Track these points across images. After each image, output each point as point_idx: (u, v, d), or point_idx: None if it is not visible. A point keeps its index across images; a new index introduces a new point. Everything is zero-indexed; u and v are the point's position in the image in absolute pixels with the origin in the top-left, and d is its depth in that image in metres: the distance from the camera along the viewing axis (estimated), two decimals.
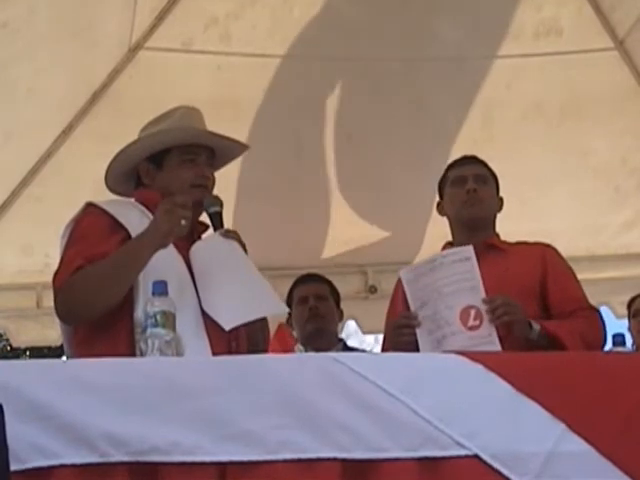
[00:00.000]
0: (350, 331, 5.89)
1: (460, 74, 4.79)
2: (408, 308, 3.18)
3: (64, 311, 2.85)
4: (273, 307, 3.05)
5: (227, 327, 2.84)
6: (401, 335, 3.15)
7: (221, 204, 3.03)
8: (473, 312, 3.06)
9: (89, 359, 2.50)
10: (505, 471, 2.26)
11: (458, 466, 2.27)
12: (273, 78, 4.72)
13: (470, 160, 3.48)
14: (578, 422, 2.31)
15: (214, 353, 2.75)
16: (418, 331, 3.11)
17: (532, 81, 4.83)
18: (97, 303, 2.80)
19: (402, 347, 3.08)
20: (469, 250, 3.13)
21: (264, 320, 3.12)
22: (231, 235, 3.02)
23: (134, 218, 2.92)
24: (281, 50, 4.68)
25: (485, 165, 3.48)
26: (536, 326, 3.10)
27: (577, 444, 2.29)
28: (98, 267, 2.80)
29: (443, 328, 3.07)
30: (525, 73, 4.82)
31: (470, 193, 3.36)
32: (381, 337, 3.48)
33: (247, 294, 2.95)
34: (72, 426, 2.19)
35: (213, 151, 3.10)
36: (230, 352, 2.82)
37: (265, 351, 3.11)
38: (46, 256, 4.54)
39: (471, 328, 3.05)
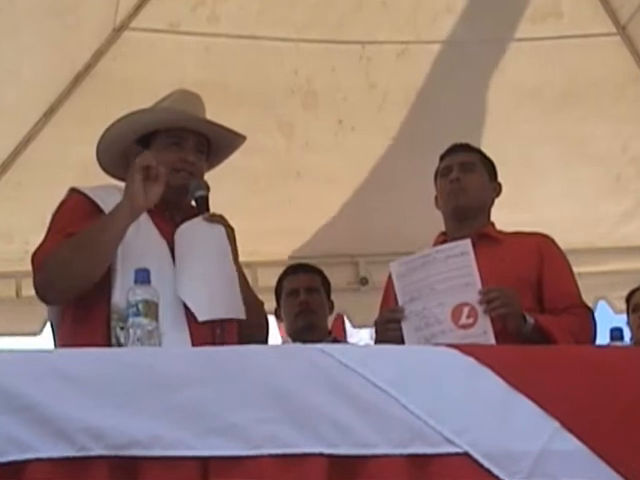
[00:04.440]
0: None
1: (455, 58, 4.79)
2: (397, 302, 3.17)
3: (43, 288, 2.86)
4: (239, 311, 2.97)
5: (201, 318, 2.84)
6: (387, 330, 3.15)
7: (207, 188, 3.03)
8: (466, 310, 3.04)
9: (68, 349, 2.50)
10: (495, 470, 2.25)
11: (447, 464, 2.25)
12: (263, 60, 4.71)
13: (457, 148, 3.48)
14: (572, 419, 2.30)
15: (196, 341, 2.76)
16: (404, 326, 3.10)
17: (530, 66, 4.83)
18: (75, 275, 2.82)
19: (389, 343, 3.06)
20: (466, 244, 3.11)
21: (260, 308, 3.12)
22: (216, 219, 3.02)
23: (115, 204, 2.93)
24: (271, 32, 4.67)
25: (476, 151, 3.48)
26: (530, 320, 3.10)
27: (570, 442, 2.28)
28: (75, 238, 2.82)
29: (432, 326, 3.06)
30: (522, 58, 4.82)
31: (453, 183, 3.37)
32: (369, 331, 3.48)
33: (222, 288, 2.94)
34: (49, 418, 2.18)
35: (207, 139, 3.11)
36: (214, 340, 2.82)
37: (264, 341, 3.10)
38: (26, 244, 4.51)
39: (463, 326, 3.03)
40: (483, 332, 3.02)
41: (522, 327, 3.09)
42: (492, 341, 3.00)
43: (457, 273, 3.08)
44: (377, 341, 3.27)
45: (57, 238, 2.86)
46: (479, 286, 3.06)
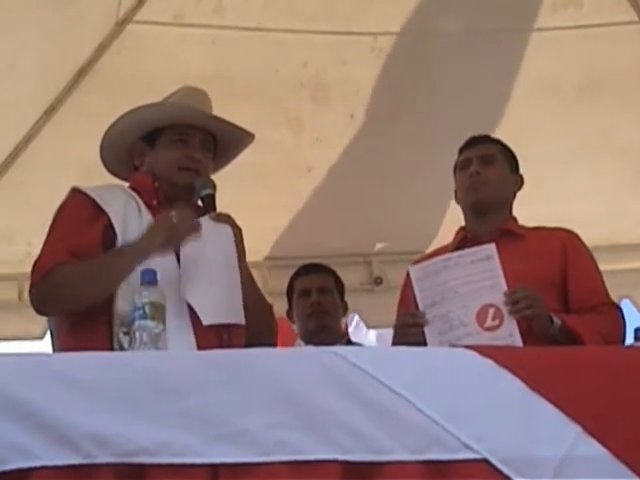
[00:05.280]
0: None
1: (472, 49, 4.79)
2: (417, 306, 3.17)
3: (40, 303, 2.91)
4: (238, 316, 2.98)
5: (206, 322, 2.86)
6: (407, 336, 3.15)
7: (214, 187, 3.04)
8: (492, 311, 3.05)
9: (73, 353, 2.52)
10: (515, 477, 2.25)
11: (466, 471, 2.26)
12: (270, 53, 4.72)
13: (476, 141, 3.49)
14: (595, 424, 2.30)
15: (202, 345, 2.78)
16: (427, 331, 3.10)
17: (549, 57, 4.82)
18: (74, 301, 2.86)
19: None
20: (491, 248, 3.11)
21: (268, 311, 3.13)
22: (223, 219, 3.03)
23: (119, 204, 2.96)
24: (278, 23, 4.68)
25: (497, 143, 3.48)
26: (557, 321, 3.10)
27: (593, 448, 2.28)
28: (82, 265, 2.85)
29: (457, 329, 3.06)
30: (542, 48, 4.81)
31: (473, 176, 3.37)
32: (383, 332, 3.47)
33: (225, 292, 2.95)
34: (54, 425, 2.20)
35: (214, 137, 3.12)
36: (221, 344, 2.83)
37: (272, 345, 3.11)
38: (28, 245, 4.54)
39: (489, 329, 3.04)
40: (509, 334, 3.03)
41: (549, 329, 3.09)
42: (519, 343, 3.01)
43: (481, 276, 3.09)
44: (395, 345, 3.27)
45: (61, 253, 2.86)
46: (505, 288, 3.07)
